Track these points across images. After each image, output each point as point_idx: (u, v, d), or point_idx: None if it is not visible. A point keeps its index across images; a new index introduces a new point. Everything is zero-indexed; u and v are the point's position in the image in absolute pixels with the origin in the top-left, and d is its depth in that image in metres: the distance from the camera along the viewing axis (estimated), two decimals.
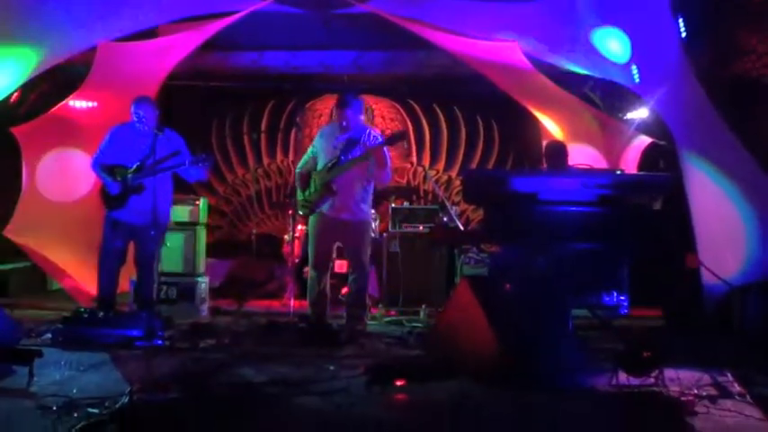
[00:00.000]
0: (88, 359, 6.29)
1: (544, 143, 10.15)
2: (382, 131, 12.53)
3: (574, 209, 6.84)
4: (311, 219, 7.87)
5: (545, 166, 8.59)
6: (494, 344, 5.62)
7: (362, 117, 7.93)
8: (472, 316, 5.91)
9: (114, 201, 7.69)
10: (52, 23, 7.76)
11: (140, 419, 4.44)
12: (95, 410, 4.59)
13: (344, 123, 7.71)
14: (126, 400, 4.70)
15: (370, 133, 7.83)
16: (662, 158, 9.15)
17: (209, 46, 10.11)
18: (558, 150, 8.47)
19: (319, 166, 7.76)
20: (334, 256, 8.25)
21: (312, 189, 7.75)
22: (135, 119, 7.71)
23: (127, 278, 8.65)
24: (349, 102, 7.78)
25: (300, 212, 8.12)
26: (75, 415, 4.49)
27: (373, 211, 9.34)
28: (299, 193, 8.01)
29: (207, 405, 4.77)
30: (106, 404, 4.69)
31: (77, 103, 9.59)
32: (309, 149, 8.01)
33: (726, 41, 8.04)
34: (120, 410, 4.54)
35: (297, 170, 8.12)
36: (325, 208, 7.69)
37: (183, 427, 4.33)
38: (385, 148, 7.57)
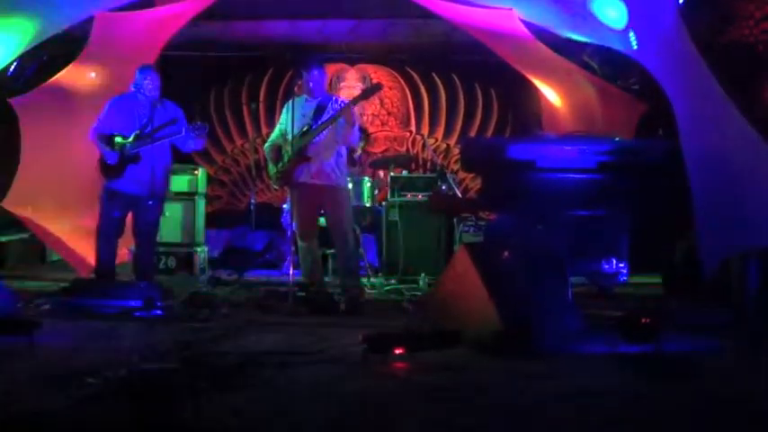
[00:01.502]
0: (87, 330, 6.32)
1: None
2: (381, 100, 12.59)
3: (572, 176, 6.86)
4: (290, 188, 7.88)
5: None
6: (492, 311, 5.62)
7: (325, 81, 7.95)
8: (470, 284, 5.91)
9: (112, 170, 7.68)
10: None
11: (139, 390, 4.45)
12: (95, 381, 4.59)
13: (310, 85, 7.71)
14: (125, 370, 4.72)
15: (337, 99, 7.84)
16: (661, 125, 9.13)
17: (206, 16, 10.08)
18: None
19: (289, 138, 7.67)
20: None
21: (285, 159, 7.72)
22: (136, 87, 7.71)
23: (127, 248, 8.67)
24: (311, 64, 7.81)
25: (275, 186, 8.10)
26: (75, 385, 4.49)
27: (370, 179, 9.37)
28: (270, 167, 7.98)
29: (204, 375, 4.77)
30: (105, 374, 4.70)
31: (75, 73, 9.53)
32: (277, 126, 8.00)
33: (723, 7, 8.01)
34: (118, 381, 4.55)
35: (266, 145, 8.10)
36: (300, 175, 7.65)
37: (181, 396, 4.34)
38: (353, 108, 7.50)
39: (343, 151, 7.85)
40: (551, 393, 4.67)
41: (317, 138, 7.53)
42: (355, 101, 7.50)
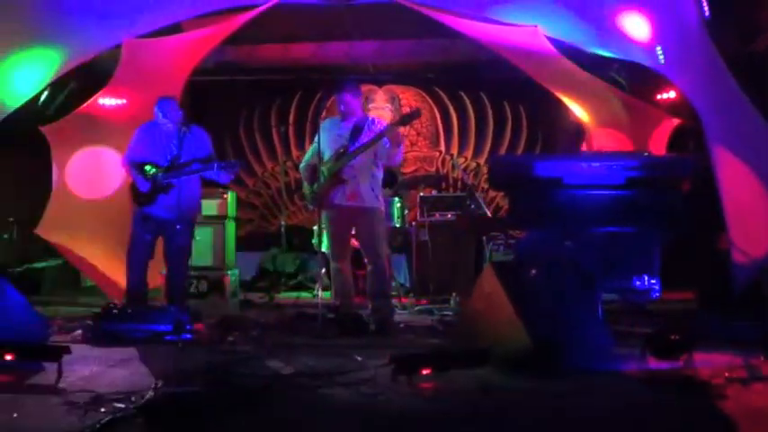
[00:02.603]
0: (116, 354, 6.33)
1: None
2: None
3: (600, 192, 6.81)
4: (324, 210, 7.82)
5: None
6: (520, 330, 5.59)
7: (360, 103, 7.93)
8: (498, 303, 5.88)
9: (144, 197, 7.77)
10: (72, 23, 7.81)
11: (166, 413, 4.46)
12: (122, 405, 4.61)
13: (343, 108, 7.74)
14: (152, 393, 4.73)
15: (374, 120, 7.84)
16: (691, 139, 9.07)
17: (234, 40, 10.14)
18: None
19: (325, 158, 7.71)
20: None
21: (321, 181, 7.72)
22: (157, 118, 7.80)
23: (159, 273, 8.72)
24: (345, 86, 7.84)
25: (309, 205, 8.11)
26: (102, 410, 4.51)
27: (399, 200, 9.36)
28: (305, 186, 8.00)
29: (232, 397, 4.78)
30: (132, 398, 4.71)
31: (105, 100, 9.62)
32: (312, 145, 7.99)
33: (747, 18, 7.96)
34: (145, 404, 4.56)
35: (301, 165, 8.11)
36: (335, 197, 7.65)
37: (209, 419, 4.35)
38: (398, 129, 7.53)
39: (379, 173, 7.84)
40: (579, 411, 4.64)
41: (354, 160, 7.53)
42: (397, 124, 7.51)
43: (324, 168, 7.68)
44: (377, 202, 7.77)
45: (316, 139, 7.89)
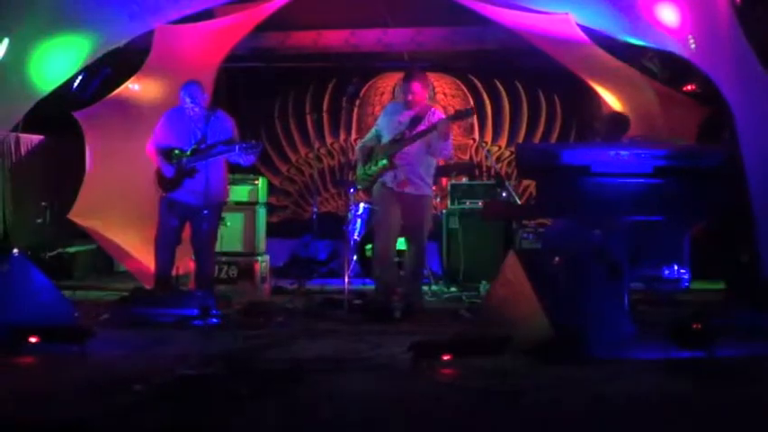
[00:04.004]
0: (142, 338, 6.40)
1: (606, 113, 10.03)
2: (444, 108, 12.53)
3: (628, 180, 6.77)
4: (375, 190, 7.95)
5: (602, 136, 8.52)
6: (542, 317, 5.59)
7: (428, 93, 7.99)
8: (520, 290, 5.88)
9: (169, 183, 7.83)
10: (104, 10, 7.89)
11: (185, 395, 4.50)
12: (145, 388, 4.65)
13: (410, 97, 7.83)
14: (171, 376, 4.78)
15: (435, 112, 7.91)
16: (725, 130, 8.98)
17: (267, 26, 10.16)
18: (618, 122, 8.40)
19: (383, 142, 7.86)
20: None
21: (373, 163, 7.81)
22: (183, 103, 7.83)
23: (190, 258, 8.78)
24: (416, 75, 7.96)
25: (359, 186, 8.21)
26: (125, 393, 4.56)
27: (434, 187, 9.37)
28: (359, 167, 8.09)
29: (254, 381, 4.81)
30: (156, 382, 4.76)
31: (137, 85, 9.67)
32: (374, 128, 8.13)
33: None
34: (164, 386, 4.61)
35: (359, 145, 8.25)
36: (387, 180, 7.74)
37: (228, 401, 4.38)
38: (450, 123, 7.72)
39: (432, 161, 8.01)
40: (597, 399, 4.63)
41: (410, 147, 7.67)
42: (450, 119, 7.73)
43: (378, 151, 7.85)
44: (428, 190, 7.98)
45: (376, 123, 8.15)
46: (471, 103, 13.06)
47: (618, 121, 8.43)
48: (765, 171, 6.98)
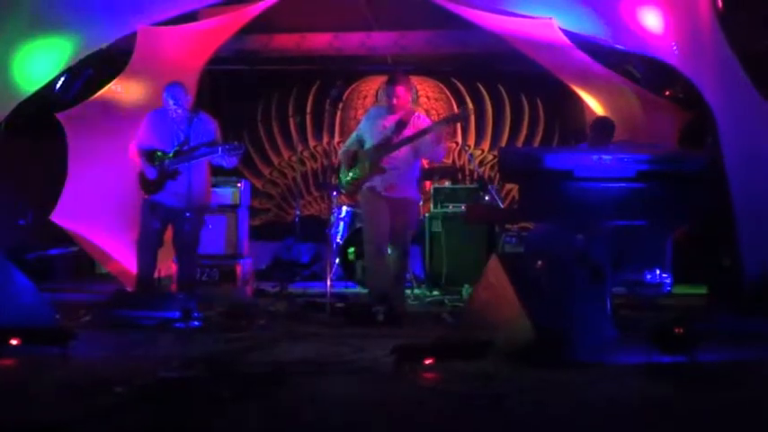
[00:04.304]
0: (123, 340, 6.38)
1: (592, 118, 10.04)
2: (427, 112, 12.55)
3: (610, 185, 6.78)
4: (362, 195, 7.91)
5: (589, 140, 8.54)
6: (525, 321, 5.59)
7: (411, 96, 7.98)
8: (503, 293, 5.88)
9: (152, 185, 7.83)
10: (85, 12, 7.87)
11: (166, 398, 4.48)
12: (126, 390, 4.63)
13: (394, 101, 7.79)
14: (152, 378, 4.75)
15: (419, 116, 7.94)
16: (706, 133, 9.02)
17: (251, 29, 10.16)
18: (603, 126, 8.43)
19: (366, 147, 7.82)
20: None
21: (358, 168, 7.80)
22: (167, 104, 7.81)
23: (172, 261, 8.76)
24: (399, 78, 7.92)
25: (343, 190, 8.20)
26: (100, 394, 4.53)
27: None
28: (343, 172, 8.06)
29: (231, 383, 4.79)
30: (137, 384, 4.73)
31: (120, 87, 9.63)
32: (355, 132, 8.10)
33: (759, 13, 7.91)
34: (145, 389, 4.58)
35: (342, 149, 8.20)
36: (376, 185, 7.73)
37: (208, 404, 4.36)
38: (443, 127, 7.80)
39: (417, 166, 8.05)
40: (580, 403, 4.63)
41: (397, 152, 7.68)
42: (443, 122, 7.87)
43: (363, 156, 7.82)
44: (416, 194, 8.07)
45: (358, 127, 8.12)
46: (455, 106, 13.08)
47: (605, 125, 8.46)
48: (747, 175, 7.03)
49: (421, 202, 9.81)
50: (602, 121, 8.66)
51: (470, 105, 13.11)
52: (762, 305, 7.11)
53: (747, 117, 7.00)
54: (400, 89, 7.79)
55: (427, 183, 10.96)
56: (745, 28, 7.76)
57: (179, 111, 7.77)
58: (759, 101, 6.68)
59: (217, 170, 8.21)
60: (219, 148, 7.65)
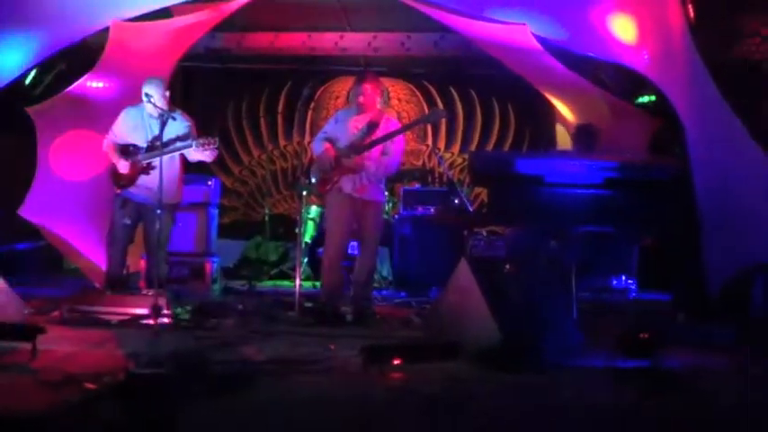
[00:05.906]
0: (92, 336, 6.38)
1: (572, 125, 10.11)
2: (398, 114, 12.58)
3: (579, 191, 6.85)
4: (330, 197, 7.91)
5: (573, 147, 8.60)
6: (492, 325, 5.65)
7: (379, 98, 7.97)
8: (471, 297, 5.94)
9: (123, 179, 7.79)
10: (54, 7, 7.85)
11: (135, 394, 4.49)
12: (94, 386, 4.64)
13: (361, 99, 7.79)
14: (122, 375, 4.76)
15: (388, 119, 7.96)
16: (677, 143, 9.10)
17: (224, 27, 10.16)
18: (587, 132, 8.48)
19: (337, 147, 7.79)
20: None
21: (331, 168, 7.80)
22: (145, 100, 7.79)
23: (141, 257, 8.75)
24: (367, 77, 7.98)
25: (314, 190, 8.21)
26: (75, 391, 4.55)
27: (387, 193, 9.40)
28: (314, 170, 8.06)
29: (201, 381, 4.81)
30: (105, 380, 4.75)
31: (92, 83, 9.56)
32: (321, 134, 8.05)
33: (729, 25, 8.01)
34: (115, 385, 4.60)
35: (314, 143, 8.16)
36: (346, 187, 7.74)
37: (177, 402, 4.38)
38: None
39: (386, 168, 7.98)
40: (545, 406, 4.69)
41: (368, 152, 7.67)
42: (427, 119, 7.70)
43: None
44: (383, 196, 8.04)
45: (325, 128, 8.12)
46: (426, 109, 13.09)
47: (588, 132, 8.51)
48: (713, 185, 7.09)
49: (386, 205, 9.90)
50: (584, 128, 8.71)
51: (441, 108, 13.13)
52: (726, 314, 7.20)
53: (715, 128, 7.07)
54: (366, 87, 7.79)
55: (397, 185, 11.01)
56: (716, 39, 7.85)
57: (156, 106, 7.74)
58: (728, 112, 6.76)
59: (188, 167, 8.19)
60: (193, 143, 7.65)
